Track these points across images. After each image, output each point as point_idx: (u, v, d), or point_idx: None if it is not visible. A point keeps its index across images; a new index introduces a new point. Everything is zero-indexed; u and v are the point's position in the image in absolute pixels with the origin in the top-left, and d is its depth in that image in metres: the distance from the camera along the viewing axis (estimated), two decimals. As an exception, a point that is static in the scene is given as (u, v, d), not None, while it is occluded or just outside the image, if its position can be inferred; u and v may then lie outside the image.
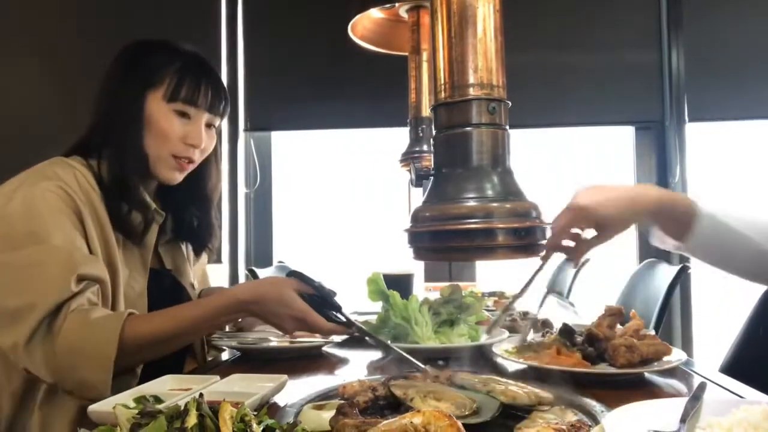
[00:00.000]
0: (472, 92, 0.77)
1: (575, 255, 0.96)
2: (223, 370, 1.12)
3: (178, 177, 1.18)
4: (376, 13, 1.88)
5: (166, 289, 1.22)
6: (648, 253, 2.72)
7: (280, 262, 2.67)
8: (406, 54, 1.95)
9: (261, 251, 2.88)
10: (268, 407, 0.83)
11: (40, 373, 0.95)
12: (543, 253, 0.92)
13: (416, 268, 2.02)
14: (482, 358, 1.15)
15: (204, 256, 1.39)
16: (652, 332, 1.24)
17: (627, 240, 2.82)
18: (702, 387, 0.77)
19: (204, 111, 1.16)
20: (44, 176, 1.05)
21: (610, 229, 0.94)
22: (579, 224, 0.94)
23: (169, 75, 1.13)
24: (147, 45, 1.19)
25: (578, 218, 0.93)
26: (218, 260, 1.62)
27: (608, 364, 0.99)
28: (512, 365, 1.08)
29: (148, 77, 1.13)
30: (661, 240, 1.01)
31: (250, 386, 0.87)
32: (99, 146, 1.14)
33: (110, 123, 1.13)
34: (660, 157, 2.74)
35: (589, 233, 0.97)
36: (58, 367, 0.95)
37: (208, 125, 1.19)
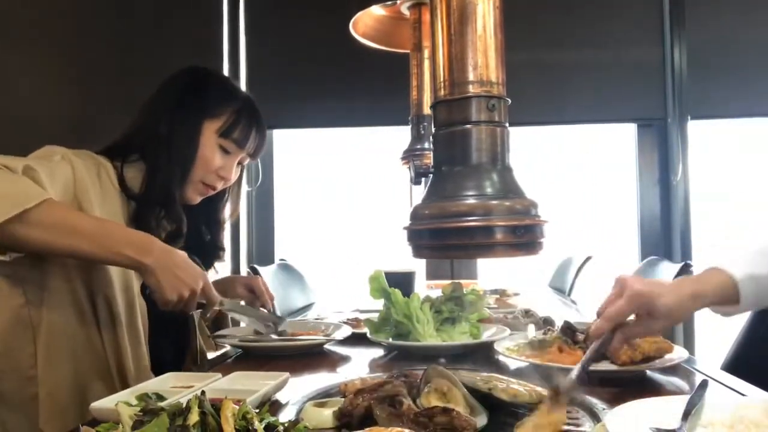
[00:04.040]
0: (472, 89, 0.77)
1: (616, 345, 0.88)
2: (225, 367, 1.12)
3: (197, 200, 1.26)
4: (377, 11, 1.88)
5: None
6: (649, 250, 2.72)
7: (281, 260, 2.68)
8: (408, 51, 1.94)
9: (263, 249, 2.88)
10: (269, 405, 0.83)
11: None
12: (584, 336, 0.88)
13: (418, 266, 2.02)
14: (484, 356, 1.15)
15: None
16: (654, 330, 1.23)
17: (628, 237, 2.82)
18: (704, 385, 0.77)
19: (244, 153, 1.26)
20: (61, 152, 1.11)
21: (665, 319, 0.86)
22: (633, 311, 0.86)
23: (227, 112, 1.22)
24: (208, 75, 1.29)
25: (634, 305, 0.85)
26: (220, 258, 1.65)
27: (610, 361, 0.99)
28: (514, 363, 1.08)
29: (207, 107, 1.21)
30: (721, 313, 0.95)
31: (251, 384, 0.87)
32: (133, 152, 1.19)
33: (164, 137, 1.18)
34: (662, 154, 2.73)
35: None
36: None
37: (239, 162, 1.29)
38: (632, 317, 0.87)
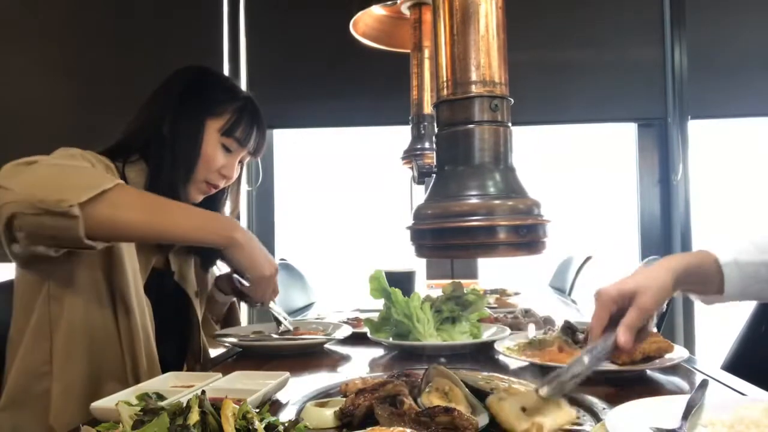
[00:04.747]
0: (475, 89, 0.76)
1: (622, 341, 0.82)
2: (225, 367, 1.12)
3: (199, 199, 1.27)
4: (377, 10, 1.87)
5: (167, 291, 1.24)
6: (649, 250, 2.73)
7: (282, 259, 2.67)
8: (408, 51, 1.94)
9: (263, 249, 2.88)
10: (270, 404, 0.83)
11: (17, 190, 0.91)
12: (585, 336, 0.87)
13: (418, 266, 2.02)
14: (484, 356, 1.15)
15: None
16: (654, 329, 1.24)
17: (629, 237, 2.82)
18: (704, 384, 0.77)
19: (246, 151, 1.27)
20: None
21: (642, 292, 0.83)
22: (612, 309, 0.84)
23: (229, 111, 1.23)
24: (208, 74, 1.29)
25: (608, 302, 0.84)
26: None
27: (610, 361, 0.99)
28: (514, 362, 1.08)
29: (210, 106, 1.21)
30: (704, 302, 0.95)
31: (252, 383, 0.87)
32: (134, 153, 1.19)
33: (167, 137, 1.18)
34: (662, 154, 2.73)
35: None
36: (40, 179, 0.93)
37: (240, 160, 1.29)
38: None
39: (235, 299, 1.47)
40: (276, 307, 1.30)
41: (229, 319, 1.48)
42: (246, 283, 1.21)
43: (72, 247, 0.97)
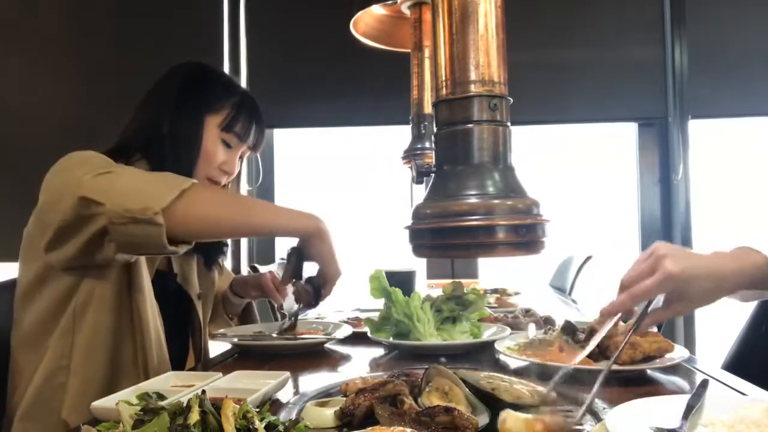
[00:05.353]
0: (474, 89, 0.76)
1: (643, 322, 0.83)
2: (225, 367, 1.12)
3: None
4: (378, 10, 1.87)
5: (169, 292, 1.24)
6: (650, 250, 2.72)
7: (282, 259, 2.67)
8: (408, 51, 1.94)
9: (263, 248, 2.89)
10: (270, 404, 0.83)
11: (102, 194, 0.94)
12: (607, 309, 0.84)
13: (418, 266, 2.02)
14: (484, 355, 1.15)
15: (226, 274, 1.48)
16: (655, 329, 1.24)
17: (629, 237, 2.82)
18: (704, 384, 0.77)
19: (246, 146, 1.27)
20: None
21: (693, 303, 0.82)
22: (663, 291, 0.82)
23: (227, 106, 1.23)
24: (205, 70, 1.29)
25: (665, 286, 0.80)
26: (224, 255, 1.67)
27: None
28: (514, 362, 1.08)
29: (208, 102, 1.22)
30: (743, 298, 0.94)
31: (252, 383, 0.87)
32: (136, 152, 1.18)
33: (167, 136, 1.18)
34: (663, 153, 2.73)
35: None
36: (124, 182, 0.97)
37: (240, 156, 1.29)
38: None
39: (250, 301, 1.48)
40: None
41: (247, 318, 1.49)
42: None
43: (156, 254, 1.01)
